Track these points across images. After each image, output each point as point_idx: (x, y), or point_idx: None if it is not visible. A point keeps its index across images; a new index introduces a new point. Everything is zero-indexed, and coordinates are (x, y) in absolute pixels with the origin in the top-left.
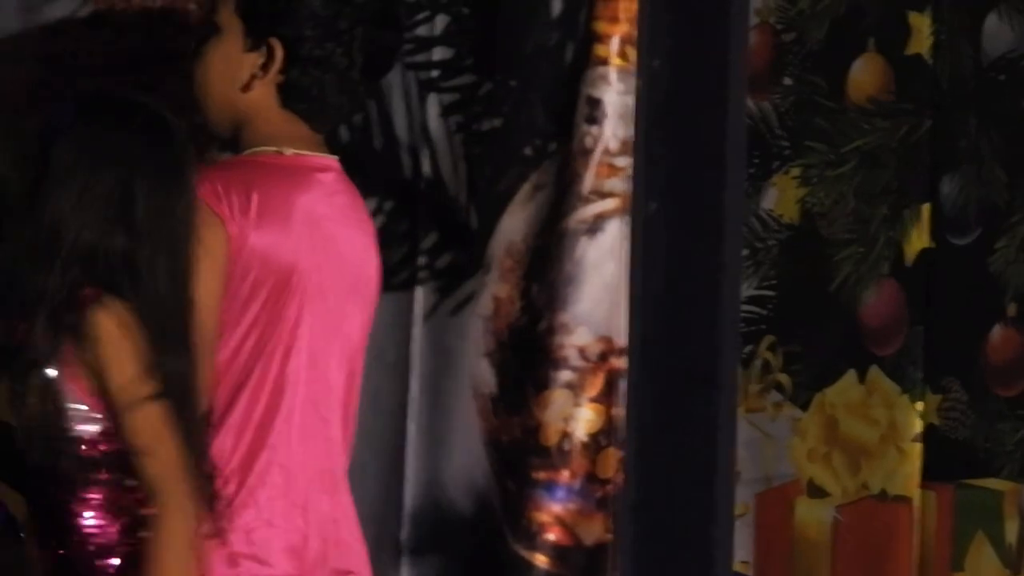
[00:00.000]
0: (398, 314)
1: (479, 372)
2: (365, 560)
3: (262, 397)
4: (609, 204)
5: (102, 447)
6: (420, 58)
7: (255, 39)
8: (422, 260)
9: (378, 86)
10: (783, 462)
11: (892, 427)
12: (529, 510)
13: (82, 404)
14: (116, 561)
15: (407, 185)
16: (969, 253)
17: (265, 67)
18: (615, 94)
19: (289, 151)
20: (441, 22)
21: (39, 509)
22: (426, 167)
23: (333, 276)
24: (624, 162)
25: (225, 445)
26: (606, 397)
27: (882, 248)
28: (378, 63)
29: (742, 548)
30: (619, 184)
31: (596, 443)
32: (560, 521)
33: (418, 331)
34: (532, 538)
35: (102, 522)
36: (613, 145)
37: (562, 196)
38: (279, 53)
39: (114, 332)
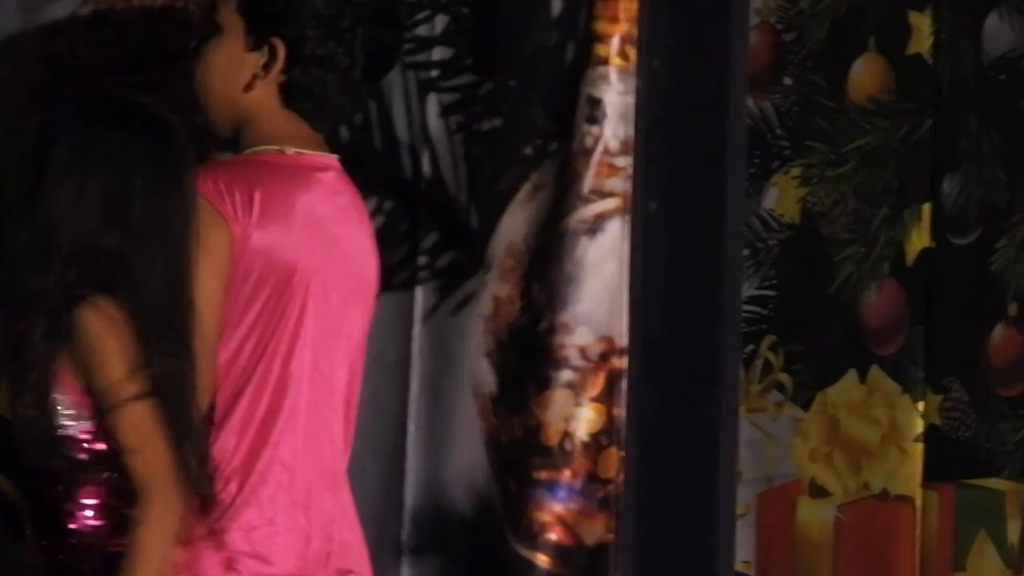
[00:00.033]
0: (398, 314)
1: (479, 372)
2: (366, 560)
3: (264, 396)
4: (609, 204)
5: (93, 446)
6: (420, 58)
7: (257, 38)
8: (422, 260)
9: (378, 86)
10: (784, 462)
11: (893, 427)
12: (530, 510)
13: (71, 402)
14: (107, 559)
15: (407, 185)
16: (970, 253)
17: (267, 67)
18: (615, 94)
19: (291, 150)
20: (441, 22)
21: (35, 507)
22: (426, 167)
23: (335, 276)
24: (624, 162)
25: (228, 444)
26: (607, 397)
27: (883, 248)
28: (379, 62)
29: (744, 548)
30: (619, 184)
31: (597, 443)
32: (561, 521)
33: (418, 331)
34: (533, 538)
35: (95, 522)
36: (613, 145)
37: (562, 196)
38: (282, 52)
39: (102, 332)
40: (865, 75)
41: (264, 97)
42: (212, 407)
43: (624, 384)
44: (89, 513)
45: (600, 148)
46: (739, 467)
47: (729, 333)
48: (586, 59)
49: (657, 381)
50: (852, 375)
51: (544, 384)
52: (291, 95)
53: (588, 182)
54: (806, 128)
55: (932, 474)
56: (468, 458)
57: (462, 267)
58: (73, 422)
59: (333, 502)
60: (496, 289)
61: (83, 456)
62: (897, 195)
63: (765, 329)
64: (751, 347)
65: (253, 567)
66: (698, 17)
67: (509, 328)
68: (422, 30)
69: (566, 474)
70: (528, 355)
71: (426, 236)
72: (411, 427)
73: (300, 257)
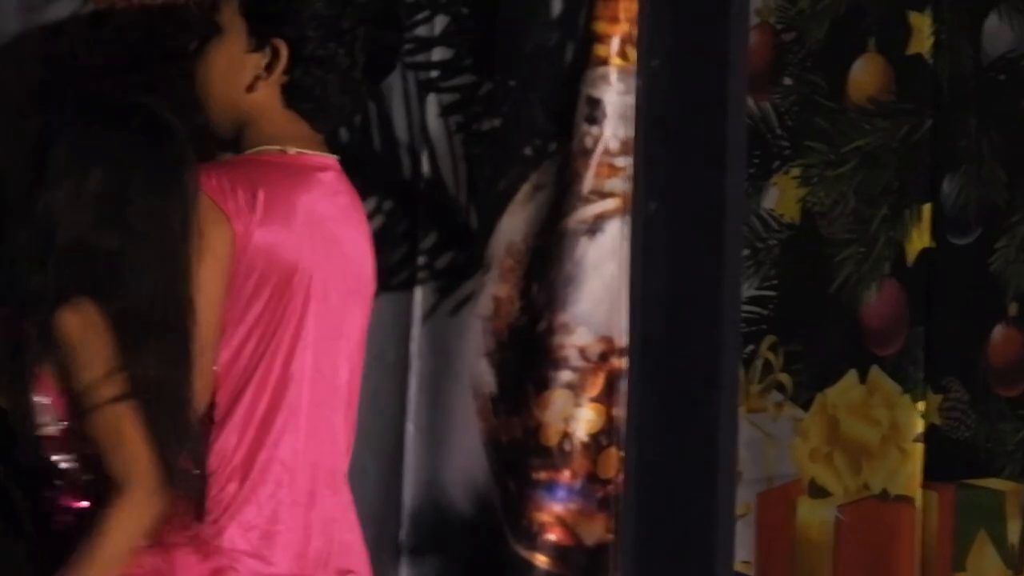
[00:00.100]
0: (398, 314)
1: (479, 372)
2: (365, 560)
3: (265, 395)
4: (609, 204)
5: (75, 448)
6: (420, 58)
7: (259, 39)
8: (422, 260)
9: (377, 87)
10: (784, 462)
11: (893, 427)
12: (530, 510)
13: (50, 403)
14: None
15: (407, 185)
16: (970, 253)
17: (269, 67)
18: (615, 94)
19: (292, 150)
20: (441, 22)
21: (34, 506)
22: (426, 167)
23: (335, 276)
24: (624, 162)
25: (228, 443)
26: (607, 397)
27: (883, 248)
28: (380, 63)
29: (744, 548)
30: (619, 184)
31: (597, 443)
32: (561, 521)
33: (417, 331)
34: (533, 538)
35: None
36: (613, 145)
37: (562, 196)
38: (284, 53)
39: (80, 332)
40: (865, 75)
41: (266, 98)
42: (212, 406)
43: (624, 384)
44: (72, 509)
45: (600, 148)
46: (739, 467)
47: (729, 333)
48: (586, 59)
49: (657, 381)
50: (852, 375)
51: (544, 384)
52: (293, 96)
53: (588, 182)
54: (806, 128)
55: (932, 474)
56: (467, 458)
57: (461, 267)
58: (52, 420)
59: (333, 502)
60: (496, 289)
61: (65, 457)
62: (897, 195)
63: (765, 329)
64: (751, 347)
65: (253, 566)
66: (698, 17)
67: (509, 328)
68: (422, 30)
69: (566, 474)
70: (528, 355)
71: (425, 236)
72: (410, 427)
73: (301, 257)
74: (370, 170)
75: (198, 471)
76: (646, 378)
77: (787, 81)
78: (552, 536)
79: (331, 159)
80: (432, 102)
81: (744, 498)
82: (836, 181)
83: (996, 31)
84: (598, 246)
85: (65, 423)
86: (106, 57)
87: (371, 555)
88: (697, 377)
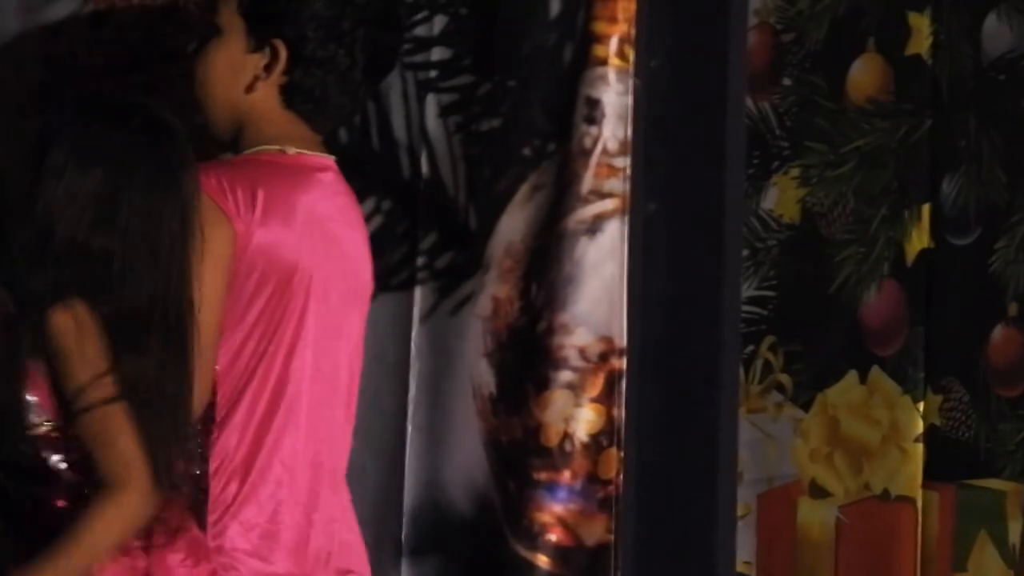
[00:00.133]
0: (398, 314)
1: (479, 372)
2: (365, 559)
3: (265, 395)
4: (608, 204)
5: (66, 447)
6: (419, 58)
7: (258, 40)
8: (421, 260)
9: (377, 87)
10: (785, 462)
11: (894, 427)
12: (530, 511)
13: (40, 403)
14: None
15: (406, 185)
16: (969, 253)
17: (269, 68)
18: (614, 94)
19: (292, 150)
20: (440, 22)
21: (34, 506)
22: (425, 167)
23: (335, 276)
24: (623, 162)
25: (229, 443)
26: (607, 397)
27: (882, 248)
28: (379, 63)
29: (744, 549)
30: (618, 184)
31: (597, 443)
32: (561, 522)
33: (417, 331)
34: (533, 539)
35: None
36: (612, 145)
37: (561, 196)
38: (283, 54)
39: (71, 332)
40: (864, 75)
41: (265, 98)
42: (213, 406)
43: (624, 384)
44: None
45: (599, 149)
46: (740, 468)
47: (729, 333)
48: (585, 60)
49: (657, 381)
50: (852, 376)
51: (543, 385)
52: (292, 96)
53: (587, 183)
54: (805, 128)
55: (933, 474)
56: (467, 459)
57: (461, 267)
58: (43, 423)
59: (333, 502)
60: (495, 290)
61: (58, 456)
62: (897, 195)
63: (765, 329)
64: (751, 347)
65: (253, 566)
66: (697, 17)
67: (508, 328)
68: (421, 31)
69: (566, 475)
70: (527, 356)
71: (425, 236)
72: (410, 428)
73: (301, 257)
74: (369, 170)
75: (197, 471)
76: (646, 378)
77: (786, 81)
78: (552, 536)
79: (330, 160)
80: (431, 102)
81: (745, 498)
82: (836, 181)
83: (995, 31)
84: (597, 246)
85: (56, 422)
86: (106, 57)
87: (371, 555)
88: (697, 377)
